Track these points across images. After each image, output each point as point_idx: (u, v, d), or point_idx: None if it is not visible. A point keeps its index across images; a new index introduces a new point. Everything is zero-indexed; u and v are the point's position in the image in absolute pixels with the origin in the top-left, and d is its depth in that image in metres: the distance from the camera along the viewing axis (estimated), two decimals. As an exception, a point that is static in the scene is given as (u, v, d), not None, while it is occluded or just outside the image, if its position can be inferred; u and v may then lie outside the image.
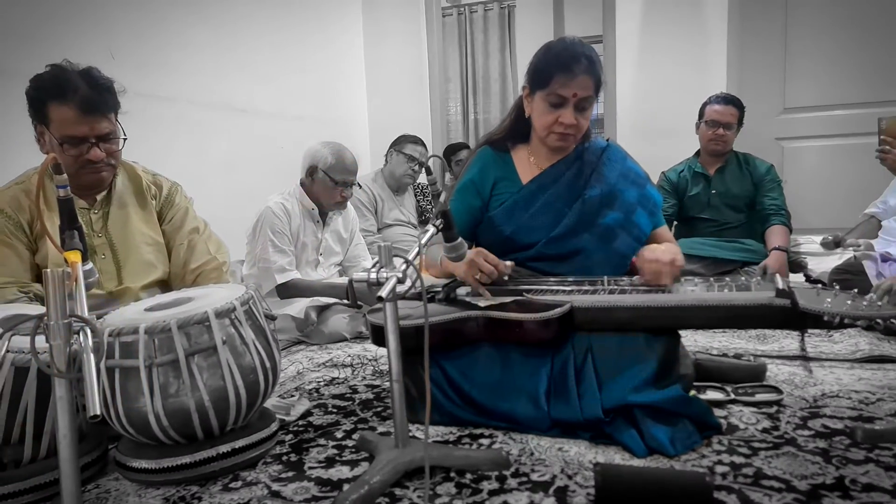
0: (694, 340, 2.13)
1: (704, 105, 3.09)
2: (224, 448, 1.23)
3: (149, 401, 1.16)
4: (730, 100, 3.04)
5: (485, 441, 1.36)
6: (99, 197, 1.66)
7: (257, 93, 3.30)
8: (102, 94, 1.53)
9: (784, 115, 3.56)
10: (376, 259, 1.22)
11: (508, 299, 1.49)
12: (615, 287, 1.52)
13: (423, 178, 3.25)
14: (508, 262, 1.55)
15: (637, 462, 1.23)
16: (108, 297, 1.61)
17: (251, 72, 3.26)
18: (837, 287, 1.36)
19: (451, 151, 4.09)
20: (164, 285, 1.73)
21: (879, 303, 1.23)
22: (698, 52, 3.52)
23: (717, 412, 1.46)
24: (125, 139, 1.60)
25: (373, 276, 1.17)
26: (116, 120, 1.58)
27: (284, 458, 1.32)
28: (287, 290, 2.35)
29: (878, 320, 1.19)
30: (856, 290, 1.31)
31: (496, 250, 1.59)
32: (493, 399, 1.41)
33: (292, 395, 1.71)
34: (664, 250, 1.53)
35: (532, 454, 1.28)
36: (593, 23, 3.92)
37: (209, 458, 1.21)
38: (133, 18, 2.61)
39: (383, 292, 1.11)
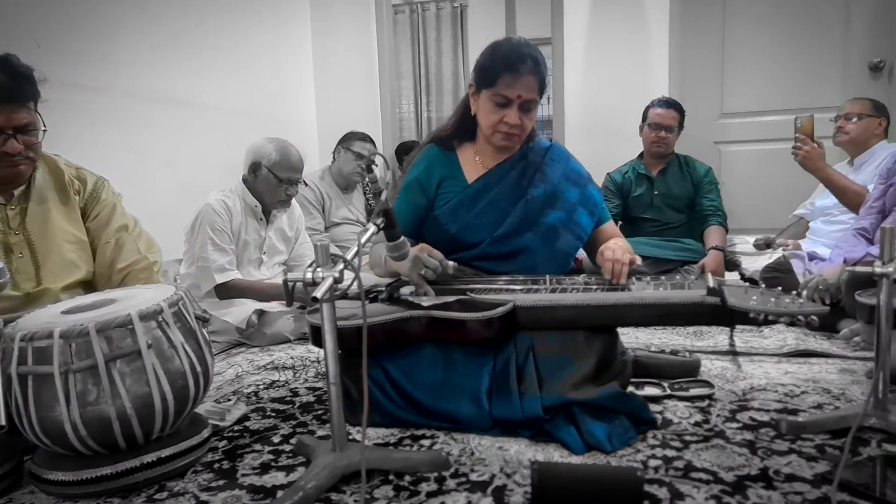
0: (635, 337, 2.18)
1: (647, 108, 3.17)
2: (149, 458, 1.18)
3: (65, 409, 1.10)
4: (671, 104, 3.13)
5: (426, 442, 1.35)
6: (16, 192, 1.56)
7: (200, 86, 3.20)
8: (20, 83, 1.44)
9: (721, 120, 3.69)
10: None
11: (452, 298, 1.48)
12: (557, 286, 1.54)
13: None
14: (451, 262, 1.54)
15: (575, 459, 1.25)
16: (24, 299, 1.51)
17: (194, 64, 3.15)
18: (763, 286, 1.41)
19: (403, 150, 4.07)
20: (89, 286, 1.64)
21: (801, 300, 1.28)
22: (642, 57, 3.60)
23: (654, 407, 1.49)
24: (45, 131, 1.52)
25: (308, 275, 1.14)
26: (36, 110, 1.49)
27: (216, 465, 1.28)
28: (227, 291, 2.28)
29: (800, 317, 1.23)
30: (780, 288, 1.36)
31: (441, 249, 1.59)
32: (435, 399, 1.40)
33: (229, 400, 1.67)
34: (623, 249, 1.56)
35: (472, 454, 1.28)
36: (544, 24, 3.97)
37: (132, 469, 1.16)
38: (64, 6, 2.49)
39: (318, 292, 1.09)
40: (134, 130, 2.78)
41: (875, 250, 1.55)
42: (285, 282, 1.15)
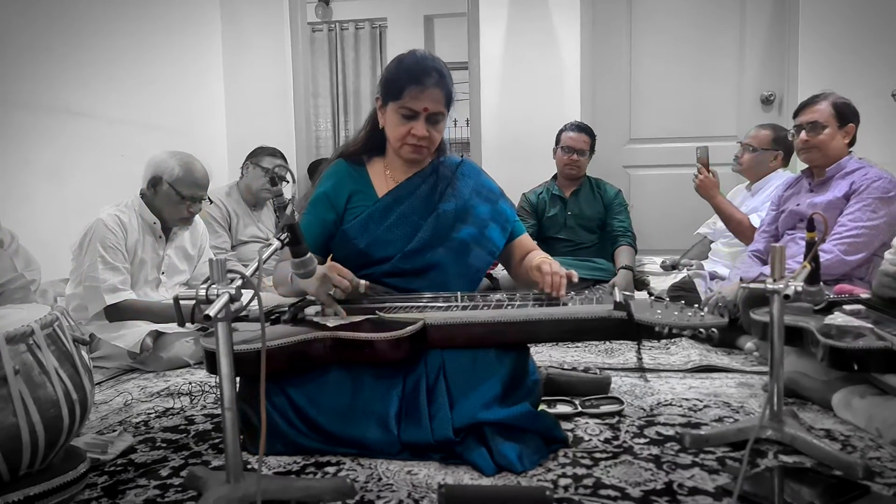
0: (549, 356, 2.20)
1: (560, 132, 3.27)
2: (15, 496, 1.04)
3: None
4: (583, 128, 3.24)
5: (331, 469, 1.28)
6: None
7: (98, 96, 2.99)
8: None
9: (630, 145, 3.86)
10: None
11: (359, 318, 1.43)
12: (469, 303, 1.52)
13: (286, 193, 3.11)
14: (363, 282, 1.49)
15: (486, 480, 1.22)
16: None
17: (90, 74, 2.95)
18: (668, 300, 1.45)
19: (316, 167, 3.98)
20: (-44, 307, 1.47)
21: (702, 313, 1.32)
22: (555, 83, 3.72)
23: (565, 425, 1.49)
24: None
25: (202, 292, 1.05)
26: None
27: (94, 503, 1.15)
28: (118, 312, 2.11)
29: (701, 329, 1.27)
30: (683, 302, 1.40)
31: (351, 265, 1.54)
32: (341, 425, 1.34)
33: (113, 431, 1.52)
34: (557, 263, 1.57)
35: (380, 479, 1.23)
36: (462, 47, 4.03)
37: (-6, 511, 1.02)
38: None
39: (212, 310, 1.01)
40: (15, 141, 2.55)
41: (768, 270, 1.63)
42: (176, 299, 1.06)
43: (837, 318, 1.51)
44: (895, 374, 1.40)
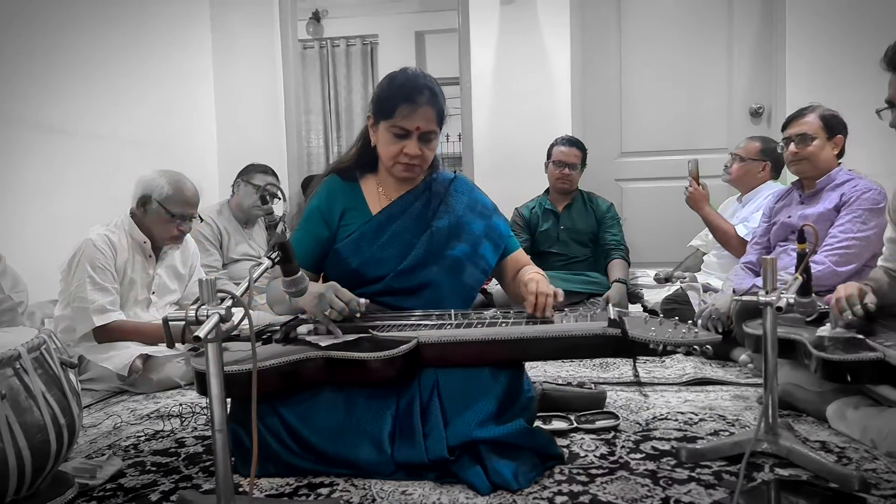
0: (544, 370, 2.19)
1: (552, 146, 3.28)
2: (1, 525, 1.03)
3: None
4: (573, 142, 3.25)
5: (324, 490, 1.27)
6: None
7: (86, 112, 2.98)
8: None
9: (621, 159, 3.88)
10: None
11: (352, 337, 1.42)
12: (462, 320, 1.51)
13: (277, 210, 3.10)
14: (363, 300, 1.47)
15: (481, 499, 1.21)
16: None
17: (80, 89, 2.94)
18: (662, 316, 1.45)
19: (309, 182, 3.97)
20: (-57, 330, 1.45)
21: (696, 330, 1.32)
22: (546, 97, 3.75)
23: (561, 441, 1.48)
24: None
25: (191, 314, 1.04)
26: None
27: (82, 530, 1.13)
28: (107, 334, 2.08)
29: (695, 346, 1.27)
30: (677, 319, 1.40)
31: (343, 285, 1.51)
32: (334, 445, 1.32)
33: (102, 455, 1.50)
34: (545, 282, 1.54)
35: (374, 500, 1.22)
36: (453, 63, 4.05)
37: (-22, 540, 1.00)
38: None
39: (202, 331, 0.99)
40: (2, 159, 2.53)
41: (760, 282, 1.64)
42: (165, 321, 1.05)
43: (825, 330, 1.51)
44: (888, 384, 1.40)
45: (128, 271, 2.19)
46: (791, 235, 2.24)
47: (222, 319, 1.04)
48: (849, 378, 1.37)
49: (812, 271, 1.49)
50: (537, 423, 1.54)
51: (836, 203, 2.14)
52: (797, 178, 2.33)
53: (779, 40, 3.52)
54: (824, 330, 1.51)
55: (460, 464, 1.28)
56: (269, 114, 4.00)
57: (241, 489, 1.25)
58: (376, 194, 1.68)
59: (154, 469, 1.41)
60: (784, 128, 2.32)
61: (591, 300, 3.00)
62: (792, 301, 1.28)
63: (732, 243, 2.66)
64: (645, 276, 3.22)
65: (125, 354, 2.05)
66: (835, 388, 1.58)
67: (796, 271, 1.37)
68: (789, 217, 2.27)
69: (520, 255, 1.76)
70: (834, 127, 2.22)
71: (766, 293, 1.31)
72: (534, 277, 1.58)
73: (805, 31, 3.45)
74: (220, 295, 1.08)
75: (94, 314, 2.05)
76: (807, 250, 1.38)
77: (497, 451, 1.29)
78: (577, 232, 3.24)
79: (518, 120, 3.77)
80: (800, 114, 2.28)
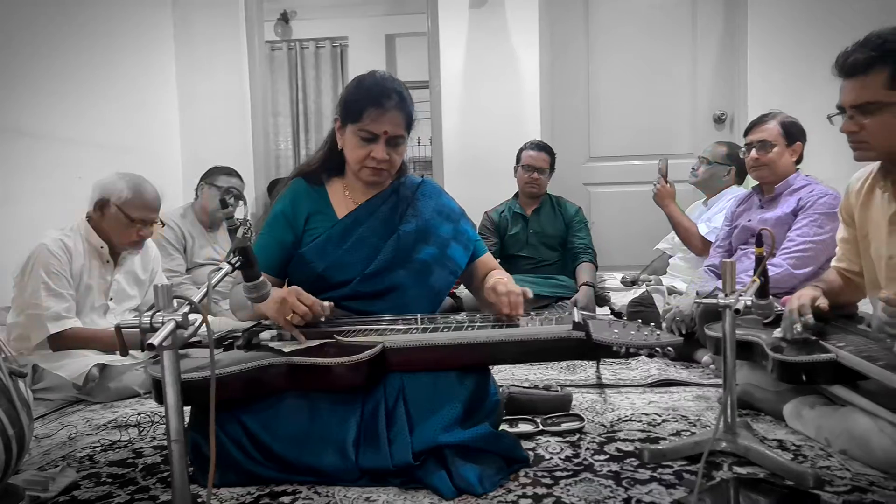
0: (511, 373, 2.20)
1: (521, 150, 3.31)
2: (-53, 541, 0.99)
3: None
4: (542, 146, 3.28)
5: (286, 499, 1.25)
6: None
7: (47, 116, 2.91)
8: None
9: (589, 163, 3.93)
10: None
11: (316, 342, 1.40)
12: (429, 325, 1.50)
13: (239, 213, 3.06)
14: (327, 303, 1.46)
15: (445, 504, 1.21)
16: None
17: (42, 92, 2.87)
18: (625, 318, 1.47)
19: (275, 185, 3.92)
20: None
21: (658, 332, 1.34)
22: (515, 102, 3.77)
23: (526, 444, 1.49)
24: None
25: (146, 321, 1.02)
26: None
27: (34, 544, 1.10)
28: (63, 341, 2.02)
29: (657, 348, 1.29)
30: (640, 321, 1.43)
31: (308, 289, 1.49)
32: (297, 452, 1.31)
33: (56, 466, 1.45)
34: (512, 282, 1.55)
35: (338, 507, 1.20)
36: (423, 67, 4.05)
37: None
38: None
39: (156, 339, 0.97)
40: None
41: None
42: (118, 328, 1.03)
43: (776, 332, 1.55)
44: (842, 384, 1.44)
45: (84, 277, 2.12)
46: (751, 239, 2.30)
47: (178, 326, 1.02)
48: (804, 378, 1.41)
49: (770, 274, 1.52)
50: (503, 427, 1.54)
51: (794, 207, 2.20)
52: (757, 182, 2.39)
53: (741, 49, 3.61)
54: (780, 332, 1.55)
55: (425, 469, 1.28)
56: (236, 116, 3.94)
57: (199, 500, 1.23)
58: (343, 198, 1.67)
59: (110, 480, 1.38)
60: (746, 134, 2.38)
61: (560, 303, 3.02)
62: (750, 304, 1.31)
63: (694, 241, 2.76)
64: (612, 280, 3.27)
65: (80, 363, 1.99)
66: (791, 388, 1.62)
67: (754, 274, 1.40)
68: (749, 221, 2.33)
69: (488, 258, 1.77)
70: (793, 134, 2.28)
71: (726, 296, 1.34)
72: (500, 279, 1.59)
73: (766, 41, 3.54)
74: (177, 301, 1.06)
75: (49, 321, 1.99)
76: (764, 254, 1.41)
77: (462, 456, 1.29)
78: (545, 236, 3.27)
79: (487, 124, 3.79)
80: (760, 120, 2.34)
